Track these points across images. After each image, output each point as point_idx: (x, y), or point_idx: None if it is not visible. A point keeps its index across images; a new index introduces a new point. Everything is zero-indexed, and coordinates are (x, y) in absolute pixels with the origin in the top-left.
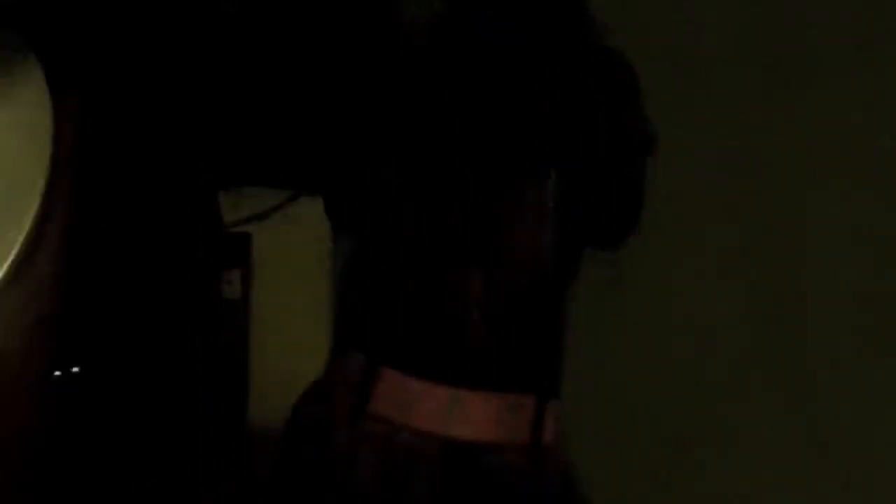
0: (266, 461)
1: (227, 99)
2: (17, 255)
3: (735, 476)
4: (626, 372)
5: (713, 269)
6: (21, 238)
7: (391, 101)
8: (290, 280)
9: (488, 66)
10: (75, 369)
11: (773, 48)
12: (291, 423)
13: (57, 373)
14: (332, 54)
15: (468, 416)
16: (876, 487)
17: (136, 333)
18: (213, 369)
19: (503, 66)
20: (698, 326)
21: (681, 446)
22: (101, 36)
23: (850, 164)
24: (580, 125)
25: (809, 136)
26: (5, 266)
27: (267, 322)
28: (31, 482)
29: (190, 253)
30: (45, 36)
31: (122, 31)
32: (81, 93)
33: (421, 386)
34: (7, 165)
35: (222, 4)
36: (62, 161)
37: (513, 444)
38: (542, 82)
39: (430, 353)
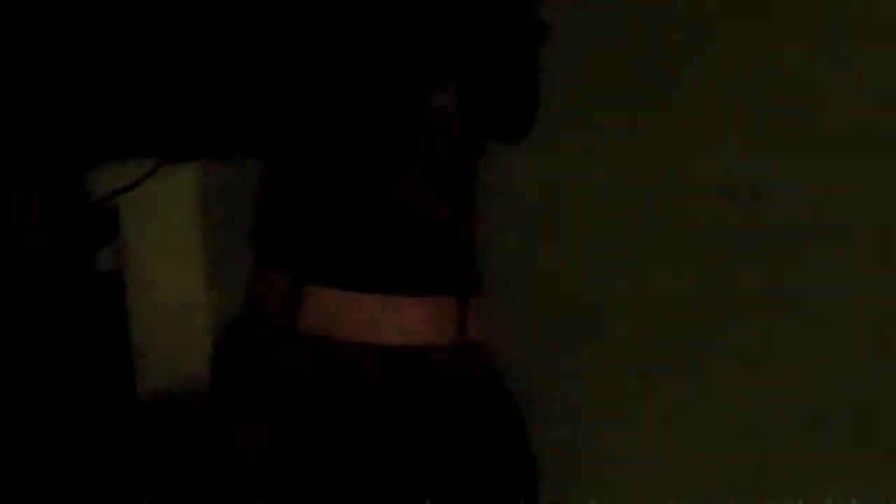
0: (158, 427)
1: (86, 72)
2: None
3: (649, 345)
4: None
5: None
6: None
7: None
8: (163, 248)
9: None
10: None
11: None
12: (224, 347)
13: None
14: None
15: (397, 322)
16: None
17: (10, 317)
18: (94, 343)
19: None
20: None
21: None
22: None
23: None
24: (476, 28)
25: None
26: None
27: (143, 291)
28: None
29: (57, 232)
30: None
31: None
32: None
33: (348, 297)
34: None
35: None
36: None
37: (441, 345)
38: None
39: (353, 263)
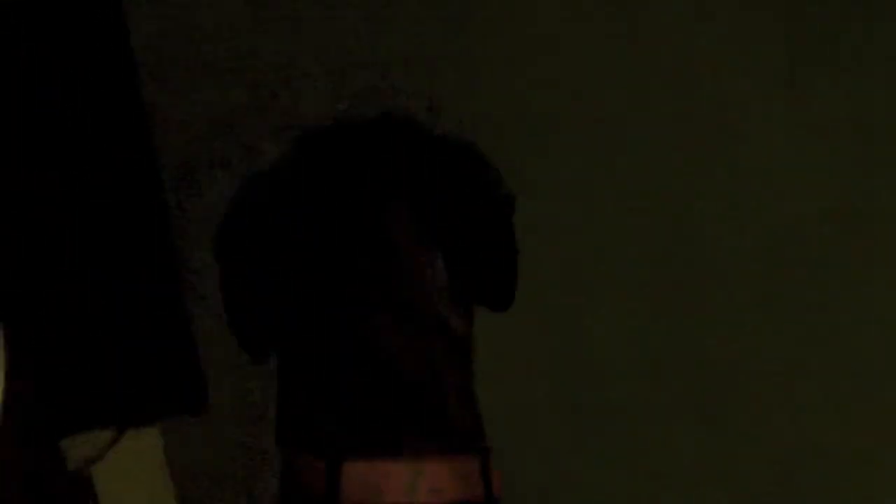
0: None
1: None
2: None
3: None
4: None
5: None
6: None
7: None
8: None
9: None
10: None
11: None
12: None
13: None
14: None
15: (430, 484)
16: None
17: None
18: None
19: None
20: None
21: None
22: None
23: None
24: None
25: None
26: None
27: None
28: None
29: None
30: None
31: None
32: None
33: (382, 466)
34: None
35: None
36: None
37: (471, 500)
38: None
39: (380, 435)
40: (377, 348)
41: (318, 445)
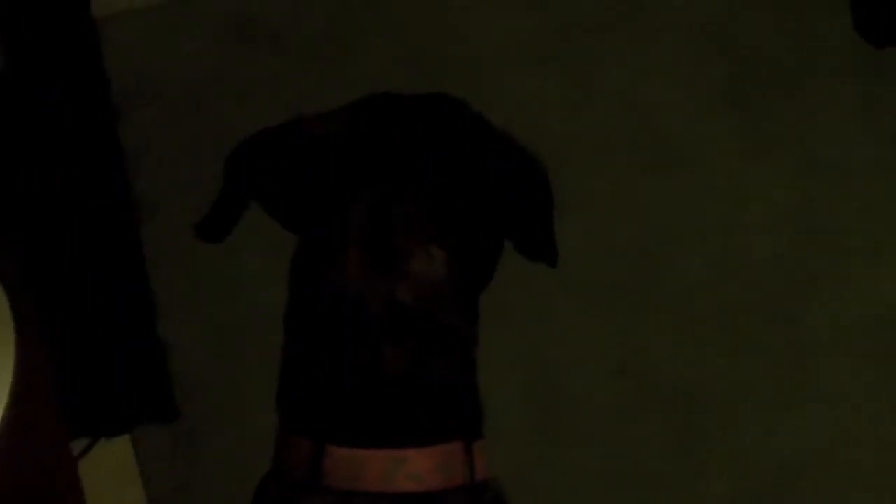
0: None
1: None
2: None
3: None
4: None
5: None
6: None
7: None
8: None
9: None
10: None
11: None
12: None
13: None
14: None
15: (411, 472)
16: None
17: None
18: None
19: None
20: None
21: None
22: None
23: None
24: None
25: None
26: None
27: None
28: None
29: None
30: None
31: None
32: None
33: (364, 454)
34: None
35: None
36: None
37: (454, 487)
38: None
39: (363, 422)
40: (365, 338)
41: (307, 426)
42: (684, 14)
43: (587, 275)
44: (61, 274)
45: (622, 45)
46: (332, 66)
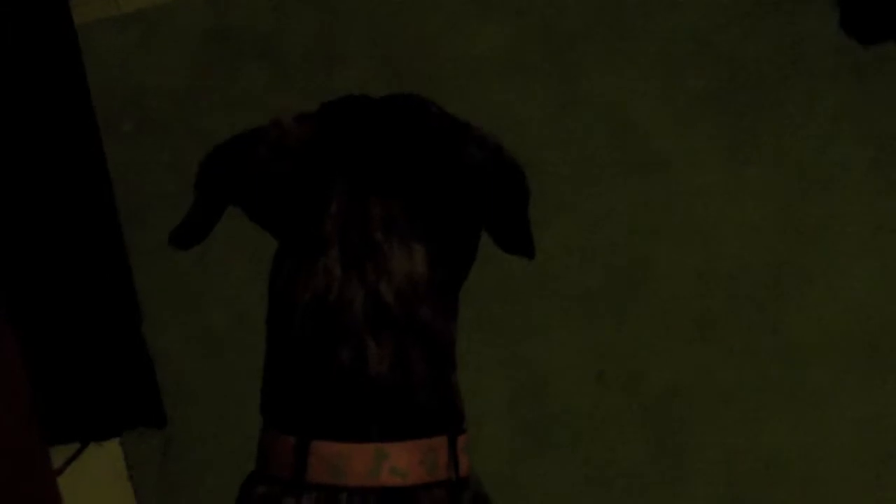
0: None
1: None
2: None
3: None
4: None
5: None
6: None
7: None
8: None
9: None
10: None
11: None
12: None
13: None
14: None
15: (395, 467)
16: None
17: None
18: None
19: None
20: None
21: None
22: None
23: None
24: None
25: None
26: None
27: None
28: None
29: None
30: None
31: None
32: None
33: (346, 448)
34: None
35: None
36: None
37: (436, 482)
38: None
39: (346, 418)
40: (348, 337)
41: (291, 423)
42: (666, 20)
43: (569, 281)
44: (47, 282)
45: (604, 52)
46: (316, 77)
